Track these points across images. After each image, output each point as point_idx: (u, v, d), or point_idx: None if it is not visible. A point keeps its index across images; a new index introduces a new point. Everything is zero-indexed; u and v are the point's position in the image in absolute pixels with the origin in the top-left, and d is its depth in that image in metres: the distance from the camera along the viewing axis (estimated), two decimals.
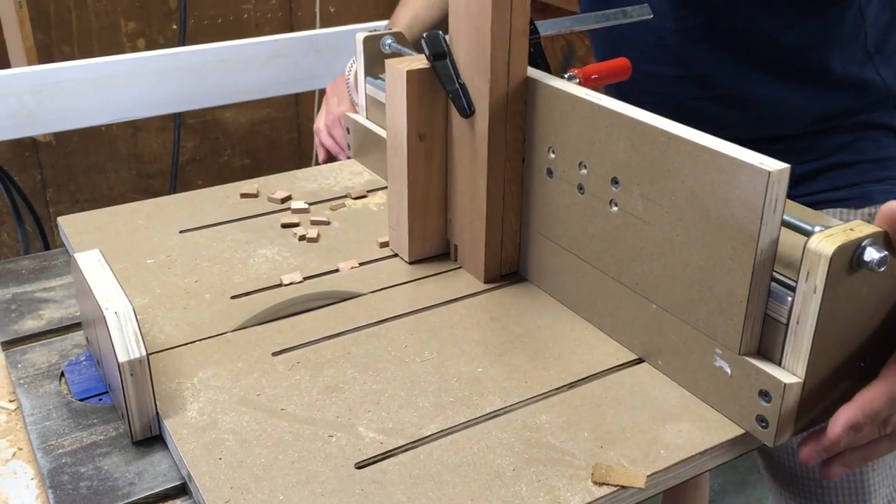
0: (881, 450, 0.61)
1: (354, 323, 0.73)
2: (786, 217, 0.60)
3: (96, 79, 1.21)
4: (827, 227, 0.56)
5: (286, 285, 0.79)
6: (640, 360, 0.69)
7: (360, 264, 0.83)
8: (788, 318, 0.57)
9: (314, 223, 0.90)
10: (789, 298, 0.57)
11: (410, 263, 0.83)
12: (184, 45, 1.97)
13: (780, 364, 0.58)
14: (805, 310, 0.55)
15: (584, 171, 0.70)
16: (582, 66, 0.84)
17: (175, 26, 2.05)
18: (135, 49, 2.03)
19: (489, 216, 0.77)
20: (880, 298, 0.57)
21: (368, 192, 0.98)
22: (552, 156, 0.73)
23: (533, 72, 0.74)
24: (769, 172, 0.54)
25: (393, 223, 0.84)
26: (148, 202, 0.95)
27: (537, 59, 0.81)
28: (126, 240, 0.86)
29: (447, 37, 0.76)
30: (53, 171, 2.04)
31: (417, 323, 0.74)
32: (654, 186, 0.63)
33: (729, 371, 0.61)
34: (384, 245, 0.86)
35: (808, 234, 0.56)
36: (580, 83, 0.82)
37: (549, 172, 0.73)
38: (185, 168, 2.19)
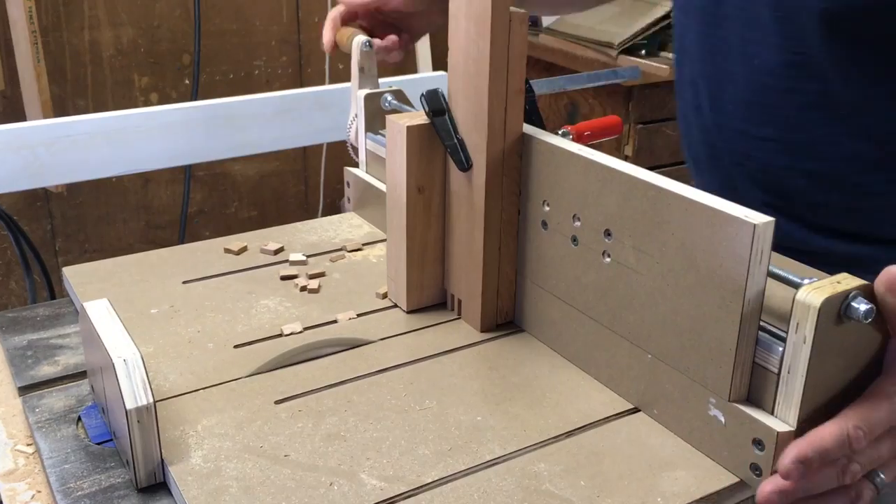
0: (837, 502, 0.59)
1: (355, 372, 0.75)
2: (776, 270, 0.62)
3: (108, 132, 1.24)
4: (815, 280, 0.58)
5: (287, 335, 0.80)
6: (635, 410, 0.70)
7: (359, 315, 0.84)
8: (780, 368, 0.59)
9: (312, 276, 0.92)
10: (780, 349, 0.58)
11: (409, 313, 0.85)
12: (196, 99, 2.01)
13: (772, 413, 0.60)
14: (796, 360, 0.57)
15: (577, 224, 0.72)
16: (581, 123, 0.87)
17: (188, 81, 2.10)
18: (147, 103, 2.08)
19: (486, 267, 0.79)
20: (866, 348, 0.59)
21: (365, 244, 0.99)
22: (547, 208, 0.75)
23: (528, 128, 0.77)
24: (755, 225, 0.56)
25: (392, 274, 0.86)
26: (151, 253, 0.97)
27: (532, 115, 0.84)
28: (130, 290, 0.88)
29: (445, 94, 0.79)
30: (63, 221, 2.07)
31: (417, 372, 0.75)
32: (646, 238, 0.65)
33: (723, 420, 0.62)
34: (384, 296, 0.88)
35: (797, 286, 0.58)
36: (573, 139, 0.85)
37: (544, 224, 0.76)
38: (193, 219, 2.21)
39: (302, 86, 2.24)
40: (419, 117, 0.80)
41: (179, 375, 0.74)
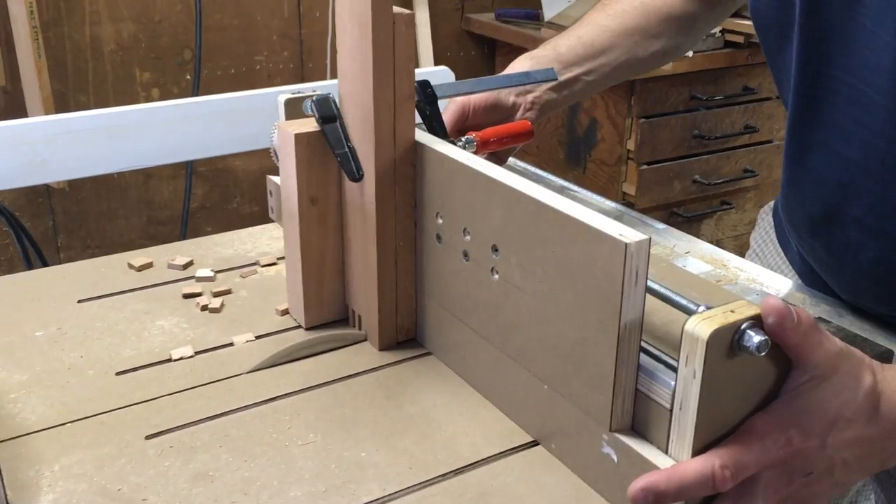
0: None
1: (241, 402, 0.70)
2: (672, 295, 0.57)
3: (109, 128, 1.21)
4: (710, 308, 0.53)
5: (175, 360, 0.75)
6: (535, 443, 0.65)
7: (258, 337, 0.79)
8: (672, 403, 0.54)
9: (217, 294, 0.86)
10: (672, 382, 0.53)
11: (307, 330, 0.79)
12: (197, 94, 1.98)
13: (666, 452, 0.55)
14: (686, 395, 0.52)
15: (467, 238, 0.67)
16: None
17: (189, 76, 2.07)
18: (149, 98, 2.06)
19: (381, 281, 0.74)
20: (763, 382, 0.54)
21: (280, 258, 0.94)
22: (440, 221, 0.70)
23: (421, 135, 0.72)
24: (626, 244, 0.52)
25: (290, 288, 0.81)
26: (53, 269, 0.92)
27: (434, 121, 0.79)
28: (20, 309, 0.83)
29: (337, 99, 0.74)
30: (65, 217, 2.05)
31: (308, 401, 0.70)
32: (529, 255, 0.60)
33: (615, 458, 0.57)
34: (284, 312, 0.83)
35: (690, 313, 0.53)
36: (477, 147, 0.80)
37: (439, 238, 0.71)
38: (194, 215, 2.18)
39: (303, 81, 2.21)
40: (311, 124, 0.75)
41: (49, 407, 0.68)
